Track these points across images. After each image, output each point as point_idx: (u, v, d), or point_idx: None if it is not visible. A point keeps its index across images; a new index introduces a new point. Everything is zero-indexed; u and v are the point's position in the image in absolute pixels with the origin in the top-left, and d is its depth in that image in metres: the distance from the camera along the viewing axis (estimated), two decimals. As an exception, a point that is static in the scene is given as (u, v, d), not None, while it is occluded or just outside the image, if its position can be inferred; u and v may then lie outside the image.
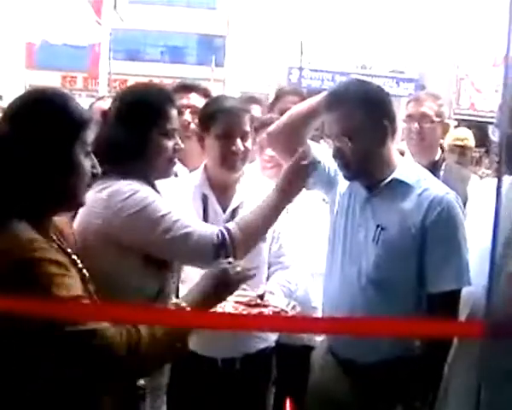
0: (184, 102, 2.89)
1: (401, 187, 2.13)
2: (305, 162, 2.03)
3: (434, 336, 1.63)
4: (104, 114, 2.02)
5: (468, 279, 2.04)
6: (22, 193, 1.48)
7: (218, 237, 1.85)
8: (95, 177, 1.65)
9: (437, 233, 2.05)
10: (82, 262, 1.66)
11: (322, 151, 2.40)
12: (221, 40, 32.25)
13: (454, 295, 2.06)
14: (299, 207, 2.90)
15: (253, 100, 3.53)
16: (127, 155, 1.90)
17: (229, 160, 2.42)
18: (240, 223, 1.94)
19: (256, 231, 1.97)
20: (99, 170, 1.65)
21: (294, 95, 3.28)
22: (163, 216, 1.83)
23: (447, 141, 5.18)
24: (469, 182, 2.96)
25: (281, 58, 27.10)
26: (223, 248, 1.83)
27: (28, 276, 1.35)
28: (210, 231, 1.89)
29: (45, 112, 1.51)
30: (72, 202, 1.59)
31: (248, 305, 2.13)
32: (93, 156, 1.63)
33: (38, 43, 6.18)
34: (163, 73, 30.31)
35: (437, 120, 3.09)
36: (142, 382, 1.84)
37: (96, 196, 1.82)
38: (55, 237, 1.57)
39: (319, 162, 2.32)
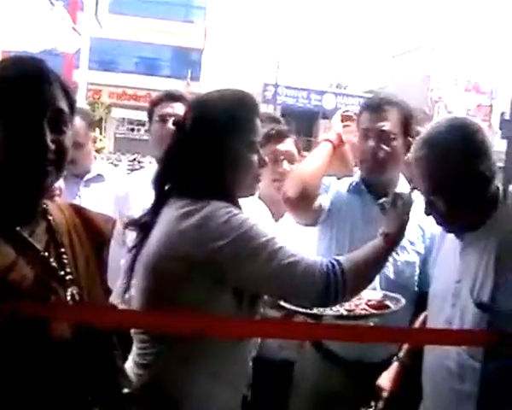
0: (169, 110, 2.84)
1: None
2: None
3: (441, 343, 1.67)
4: (178, 123, 1.77)
5: None
6: None
7: (327, 267, 1.59)
8: (61, 154, 1.32)
9: (434, 242, 2.17)
10: (158, 288, 1.57)
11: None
12: (197, 54, 32.31)
13: None
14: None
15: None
16: (209, 171, 1.68)
17: None
18: (350, 259, 1.68)
19: (365, 274, 1.71)
20: (67, 147, 1.33)
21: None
22: (267, 242, 1.57)
23: None
24: None
25: (256, 74, 27.25)
26: (333, 280, 1.58)
27: None
28: (319, 260, 1.63)
29: None
30: (30, 186, 1.32)
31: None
32: (64, 129, 1.31)
33: (15, 51, 6.01)
34: (137, 85, 30.23)
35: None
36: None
37: (184, 219, 1.59)
38: (21, 230, 1.30)
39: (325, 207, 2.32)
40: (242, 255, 1.55)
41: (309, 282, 1.57)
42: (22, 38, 6.54)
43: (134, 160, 18.11)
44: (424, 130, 1.90)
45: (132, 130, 30.11)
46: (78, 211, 1.49)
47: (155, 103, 2.82)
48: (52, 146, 1.27)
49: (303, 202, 2.22)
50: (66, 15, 8.57)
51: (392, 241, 1.78)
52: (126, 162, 16.73)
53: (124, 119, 30.13)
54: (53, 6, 7.98)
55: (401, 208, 1.83)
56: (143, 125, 29.18)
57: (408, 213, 1.82)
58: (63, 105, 1.32)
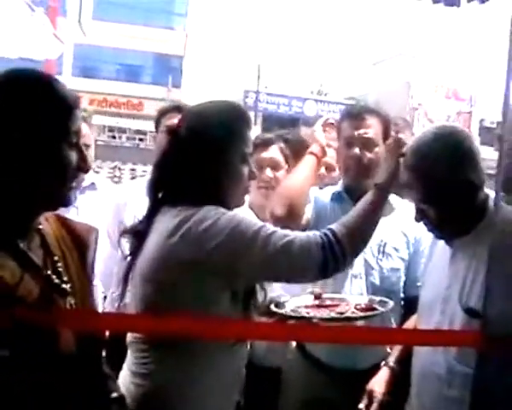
0: (176, 121, 2.88)
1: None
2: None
3: (434, 344, 1.72)
4: (171, 132, 1.78)
5: None
6: None
7: (322, 238, 1.60)
8: (82, 171, 1.39)
9: (418, 248, 2.28)
10: (155, 296, 1.57)
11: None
12: (178, 60, 32.25)
13: None
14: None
15: None
16: (202, 180, 1.69)
17: None
18: (342, 223, 1.68)
19: (360, 231, 1.71)
20: (90, 164, 1.40)
21: None
22: (258, 230, 1.59)
23: None
24: None
25: (238, 81, 27.29)
26: (329, 250, 1.59)
27: None
28: (311, 234, 1.63)
29: (19, 97, 1.28)
30: (53, 202, 1.37)
31: (326, 306, 1.95)
32: (82, 148, 1.37)
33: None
34: (118, 92, 30.09)
35: None
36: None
37: (178, 228, 1.59)
38: (21, 245, 1.32)
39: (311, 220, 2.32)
40: (238, 249, 1.57)
41: (306, 257, 1.58)
42: (2, 44, 6.48)
43: (115, 167, 18.02)
44: (412, 139, 1.92)
45: (113, 137, 29.92)
46: (63, 222, 1.50)
47: (162, 114, 2.85)
48: (73, 163, 1.34)
49: (291, 220, 2.20)
50: (46, 21, 8.50)
51: (383, 188, 1.79)
52: (107, 170, 16.63)
53: (105, 126, 29.93)
54: (33, 12, 7.90)
55: (393, 152, 1.87)
56: (124, 132, 29.04)
57: (399, 157, 1.84)
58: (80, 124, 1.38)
